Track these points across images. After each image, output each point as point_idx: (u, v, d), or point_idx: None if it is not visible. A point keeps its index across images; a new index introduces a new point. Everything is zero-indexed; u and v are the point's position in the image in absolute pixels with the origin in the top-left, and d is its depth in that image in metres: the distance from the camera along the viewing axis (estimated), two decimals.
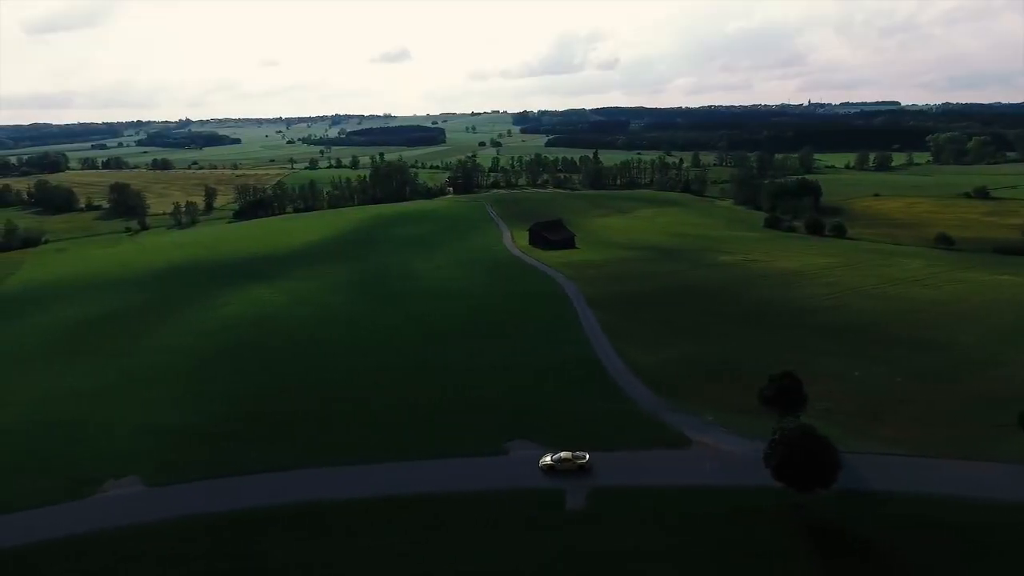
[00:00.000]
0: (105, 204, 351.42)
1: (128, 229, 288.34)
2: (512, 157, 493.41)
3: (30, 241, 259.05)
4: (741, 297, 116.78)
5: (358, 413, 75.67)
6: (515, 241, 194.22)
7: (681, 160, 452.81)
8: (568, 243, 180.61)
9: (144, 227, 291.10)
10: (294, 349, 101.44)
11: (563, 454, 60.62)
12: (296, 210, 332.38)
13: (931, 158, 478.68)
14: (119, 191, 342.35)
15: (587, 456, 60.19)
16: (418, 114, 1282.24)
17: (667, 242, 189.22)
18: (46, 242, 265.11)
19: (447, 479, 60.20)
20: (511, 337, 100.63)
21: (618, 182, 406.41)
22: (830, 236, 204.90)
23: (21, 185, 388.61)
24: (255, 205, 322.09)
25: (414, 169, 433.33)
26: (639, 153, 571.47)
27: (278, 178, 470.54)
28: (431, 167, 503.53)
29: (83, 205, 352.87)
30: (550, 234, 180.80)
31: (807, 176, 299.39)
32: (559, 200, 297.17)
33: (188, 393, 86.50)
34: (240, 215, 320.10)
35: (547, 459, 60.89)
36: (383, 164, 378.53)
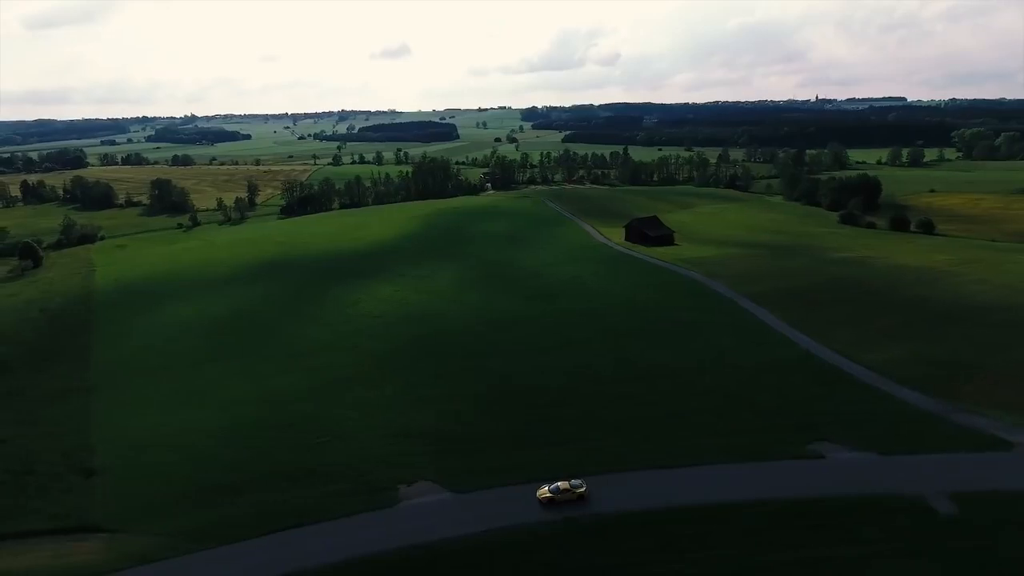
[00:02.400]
0: (145, 200, 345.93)
1: (180, 225, 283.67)
2: (542, 153, 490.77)
3: (86, 237, 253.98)
4: (903, 293, 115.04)
5: (617, 416, 73.29)
6: (608, 236, 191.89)
7: (721, 157, 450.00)
8: (668, 239, 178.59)
9: (195, 223, 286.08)
10: (480, 348, 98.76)
11: (561, 484, 57.70)
12: (342, 206, 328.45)
13: (959, 154, 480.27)
14: (160, 187, 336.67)
15: (584, 485, 57.84)
16: (423, 110, 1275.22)
17: (764, 238, 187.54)
18: (102, 238, 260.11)
19: (771, 485, 58.07)
20: (703, 335, 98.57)
21: (655, 178, 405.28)
22: (916, 233, 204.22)
23: (55, 181, 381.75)
24: (302, 201, 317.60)
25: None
26: (660, 148, 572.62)
27: (305, 174, 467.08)
28: (457, 163, 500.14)
29: (122, 201, 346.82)
30: (650, 230, 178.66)
31: (867, 173, 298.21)
32: (618, 196, 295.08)
33: (406, 394, 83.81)
34: (286, 211, 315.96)
35: (545, 491, 57.73)
36: (427, 160, 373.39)
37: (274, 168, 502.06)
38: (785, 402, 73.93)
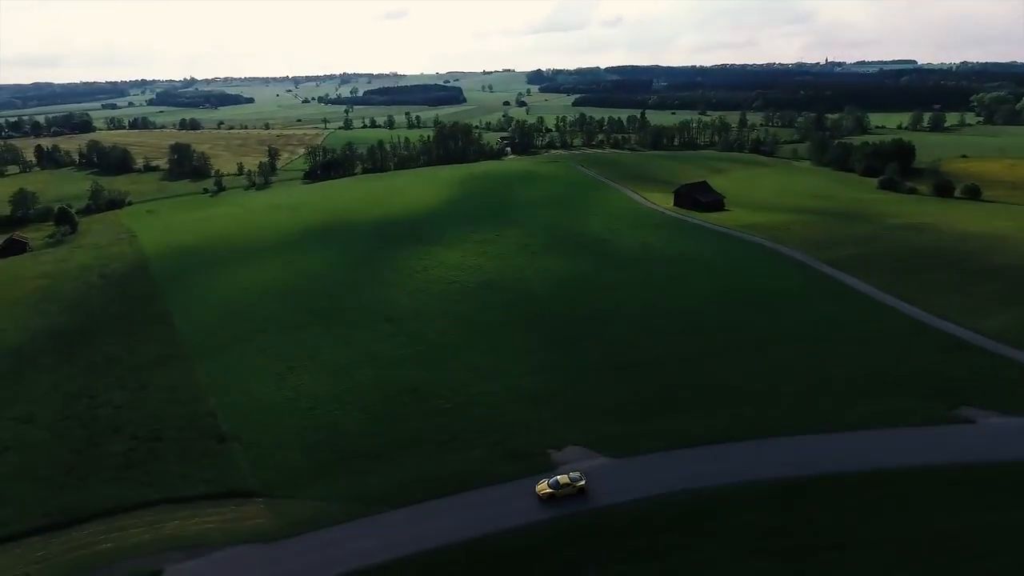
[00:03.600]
0: (164, 165, 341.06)
1: (205, 190, 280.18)
2: (557, 118, 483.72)
3: (114, 202, 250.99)
4: (991, 260, 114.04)
5: (751, 383, 73.36)
6: (654, 202, 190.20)
7: (740, 121, 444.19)
8: (719, 205, 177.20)
9: (220, 188, 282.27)
10: (580, 314, 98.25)
11: (560, 478, 55.53)
12: (364, 170, 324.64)
13: (979, 119, 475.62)
14: (179, 152, 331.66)
15: (583, 478, 55.63)
16: (425, 73, 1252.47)
17: (812, 204, 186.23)
18: (129, 203, 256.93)
19: (928, 450, 58.27)
20: (805, 303, 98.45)
21: (675, 142, 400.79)
22: (962, 199, 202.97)
23: (69, 145, 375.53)
24: (326, 166, 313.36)
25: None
26: (673, 112, 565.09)
27: (318, 137, 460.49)
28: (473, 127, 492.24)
29: (140, 166, 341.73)
30: (701, 196, 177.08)
31: (901, 138, 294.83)
32: (646, 161, 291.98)
33: (520, 360, 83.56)
34: (309, 176, 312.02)
35: (544, 485, 55.37)
36: (449, 125, 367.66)
37: (286, 132, 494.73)
38: (915, 369, 73.98)
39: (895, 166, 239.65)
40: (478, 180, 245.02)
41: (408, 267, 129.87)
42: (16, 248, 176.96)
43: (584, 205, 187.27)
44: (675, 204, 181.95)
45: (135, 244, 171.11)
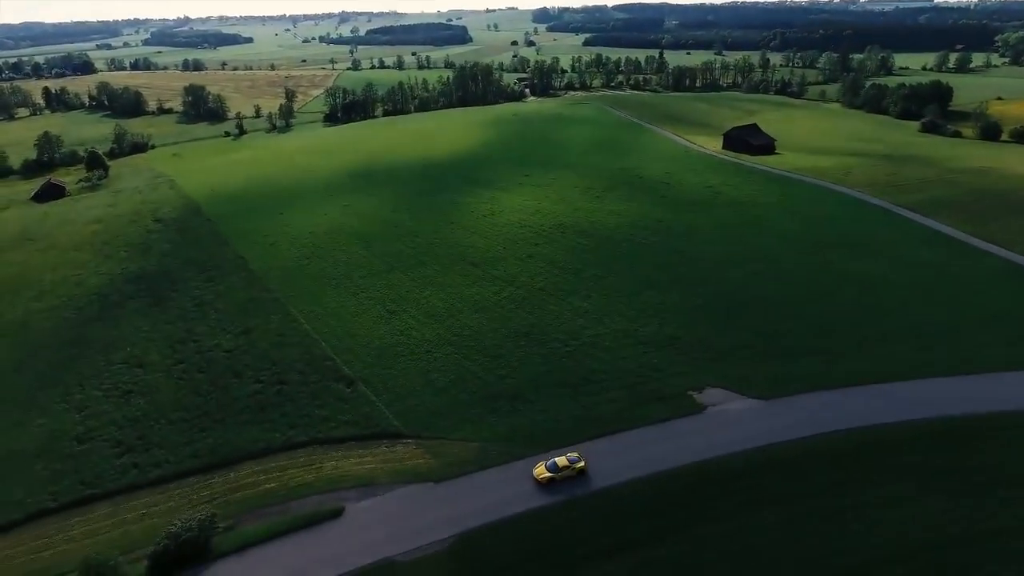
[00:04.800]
0: (178, 107, 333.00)
1: (227, 134, 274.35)
2: (573, 58, 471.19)
3: (138, 146, 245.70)
4: None
5: (877, 326, 73.60)
6: (701, 144, 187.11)
7: (761, 62, 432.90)
8: (769, 148, 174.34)
9: (242, 131, 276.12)
10: (669, 258, 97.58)
11: (558, 460, 52.58)
12: (386, 113, 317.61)
13: (1005, 59, 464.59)
14: (194, 94, 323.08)
15: (582, 459, 52.87)
16: (426, 11, 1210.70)
17: (862, 147, 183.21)
18: (152, 147, 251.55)
19: None
20: (895, 246, 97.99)
21: (698, 84, 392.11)
22: (1009, 142, 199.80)
23: (77, 87, 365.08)
24: (347, 108, 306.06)
25: None
26: (688, 52, 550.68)
27: (327, 79, 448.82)
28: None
29: (154, 109, 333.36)
30: (752, 139, 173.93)
31: (939, 79, 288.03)
32: (675, 103, 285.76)
33: (625, 303, 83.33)
34: (330, 118, 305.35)
35: (542, 469, 52.35)
36: (470, 66, 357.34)
37: (293, 73, 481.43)
38: None
39: (936, 108, 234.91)
40: (510, 123, 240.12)
41: (473, 211, 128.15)
42: (54, 192, 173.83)
43: (631, 148, 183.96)
44: (724, 147, 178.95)
45: (177, 189, 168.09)
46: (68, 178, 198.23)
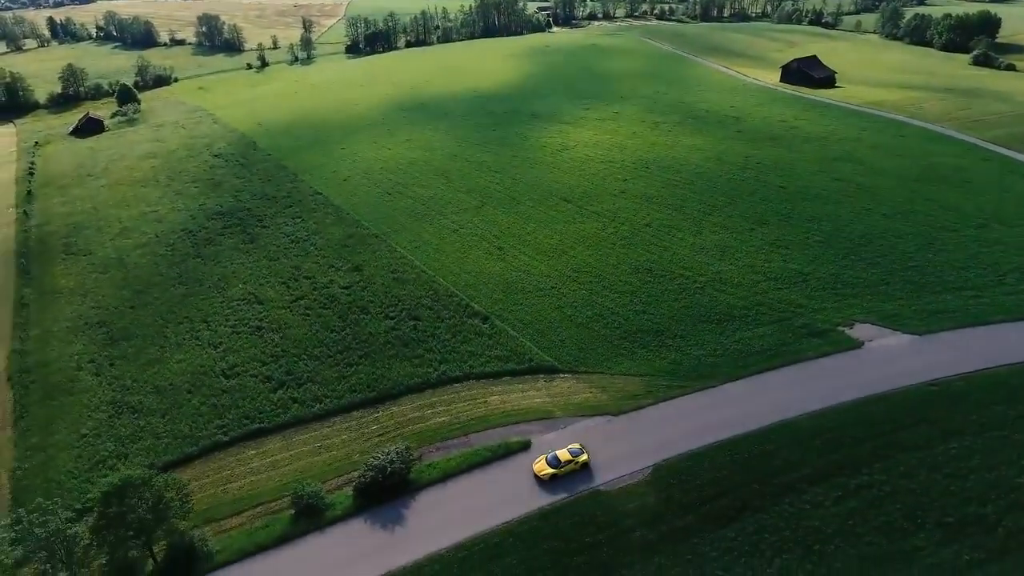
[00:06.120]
0: (191, 38, 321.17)
1: (249, 66, 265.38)
2: None
3: (161, 79, 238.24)
4: None
5: (1003, 263, 72.93)
6: (756, 77, 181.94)
7: None
8: (831, 81, 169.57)
9: (264, 63, 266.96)
10: (768, 194, 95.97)
11: (560, 454, 48.66)
12: (408, 44, 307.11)
13: None
14: (208, 24, 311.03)
15: (584, 451, 49.00)
16: None
17: (920, 80, 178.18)
18: (175, 80, 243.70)
19: None
20: (998, 182, 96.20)
21: (726, 13, 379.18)
22: None
23: (83, 17, 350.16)
24: (370, 39, 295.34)
25: None
26: None
27: (339, 7, 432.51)
28: None
29: (167, 40, 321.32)
30: (813, 71, 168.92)
31: (987, 10, 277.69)
32: (710, 33, 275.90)
33: (737, 240, 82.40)
34: (352, 49, 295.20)
35: (543, 465, 48.28)
36: None
37: (301, 2, 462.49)
38: None
39: (986, 41, 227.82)
40: (546, 54, 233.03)
41: (545, 145, 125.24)
42: (94, 127, 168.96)
43: (683, 80, 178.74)
44: (783, 80, 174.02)
45: (221, 123, 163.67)
46: (99, 112, 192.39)
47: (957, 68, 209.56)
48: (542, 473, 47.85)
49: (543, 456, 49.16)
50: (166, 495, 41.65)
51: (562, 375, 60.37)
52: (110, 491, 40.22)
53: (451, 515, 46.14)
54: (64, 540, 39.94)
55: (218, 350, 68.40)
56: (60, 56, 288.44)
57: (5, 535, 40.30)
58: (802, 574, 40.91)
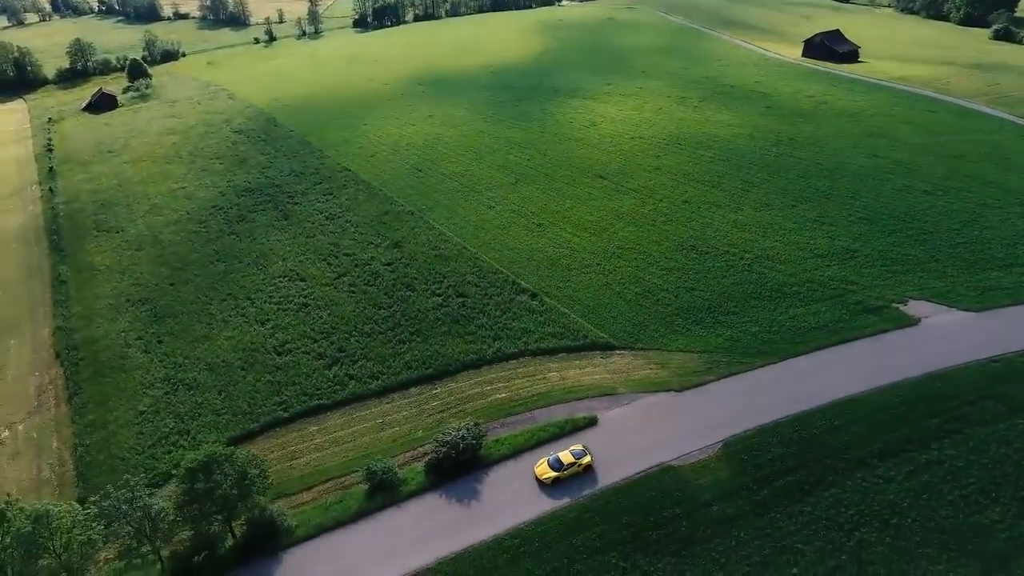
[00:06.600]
0: (195, 12, 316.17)
1: (256, 40, 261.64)
2: None
3: (169, 54, 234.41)
4: None
5: None
6: (776, 51, 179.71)
7: None
8: (854, 56, 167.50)
9: (272, 38, 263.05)
10: (804, 169, 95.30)
11: (562, 456, 46.89)
12: (416, 17, 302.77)
13: None
14: None
15: (587, 452, 47.18)
16: None
17: (943, 55, 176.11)
18: (183, 55, 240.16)
19: None
20: None
21: None
22: None
23: None
24: (378, 12, 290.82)
25: None
26: None
27: None
28: None
29: (170, 14, 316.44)
30: (837, 46, 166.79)
31: None
32: (725, 7, 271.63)
33: (777, 217, 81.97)
34: (360, 24, 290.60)
35: (545, 468, 46.56)
36: None
37: None
38: None
39: (1006, 14, 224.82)
40: (560, 28, 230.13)
41: (572, 121, 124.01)
42: (108, 103, 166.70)
43: (703, 54, 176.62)
44: (805, 54, 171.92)
45: (237, 99, 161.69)
46: (111, 87, 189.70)
47: (978, 43, 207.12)
48: (544, 476, 46.08)
49: (544, 458, 47.54)
50: (250, 471, 41.69)
51: (619, 352, 60.33)
52: (195, 467, 40.25)
53: (525, 490, 46.37)
54: (150, 516, 40.06)
55: (266, 327, 68.18)
56: (63, 30, 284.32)
57: (90, 511, 40.41)
58: (881, 547, 41.24)
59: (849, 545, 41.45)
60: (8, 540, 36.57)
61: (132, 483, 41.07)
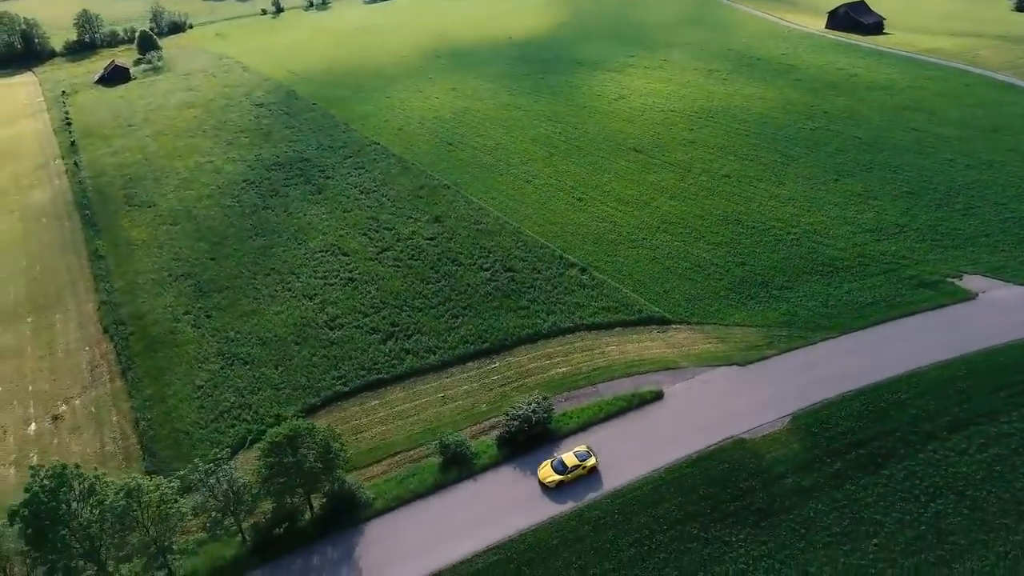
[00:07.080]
0: None
1: (263, 11, 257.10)
2: None
3: (177, 26, 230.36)
4: None
5: None
6: (800, 23, 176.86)
7: None
8: (879, 27, 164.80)
9: (279, 9, 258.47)
10: (839, 144, 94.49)
11: (565, 458, 45.44)
12: None
13: None
14: None
15: (591, 454, 45.72)
16: None
17: (968, 27, 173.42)
18: (190, 27, 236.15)
19: None
20: None
21: None
22: None
23: None
24: None
25: None
26: None
27: None
28: None
29: None
30: (863, 17, 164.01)
31: None
32: None
33: (819, 191, 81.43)
34: None
35: (548, 470, 45.22)
36: None
37: None
38: None
39: None
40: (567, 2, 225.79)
41: (600, 94, 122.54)
42: (121, 75, 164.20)
43: (725, 26, 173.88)
44: (829, 26, 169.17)
45: (252, 72, 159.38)
46: (121, 59, 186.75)
47: (1000, 13, 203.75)
48: (547, 480, 44.57)
49: (548, 461, 46.19)
50: (333, 445, 41.78)
51: (675, 326, 60.31)
52: (281, 441, 40.30)
53: (601, 463, 46.52)
54: (234, 489, 40.22)
55: (314, 301, 67.95)
56: (67, 0, 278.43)
57: (175, 484, 40.57)
58: (959, 518, 41.61)
59: (927, 516, 41.80)
60: (101, 514, 36.68)
61: (216, 456, 41.12)
